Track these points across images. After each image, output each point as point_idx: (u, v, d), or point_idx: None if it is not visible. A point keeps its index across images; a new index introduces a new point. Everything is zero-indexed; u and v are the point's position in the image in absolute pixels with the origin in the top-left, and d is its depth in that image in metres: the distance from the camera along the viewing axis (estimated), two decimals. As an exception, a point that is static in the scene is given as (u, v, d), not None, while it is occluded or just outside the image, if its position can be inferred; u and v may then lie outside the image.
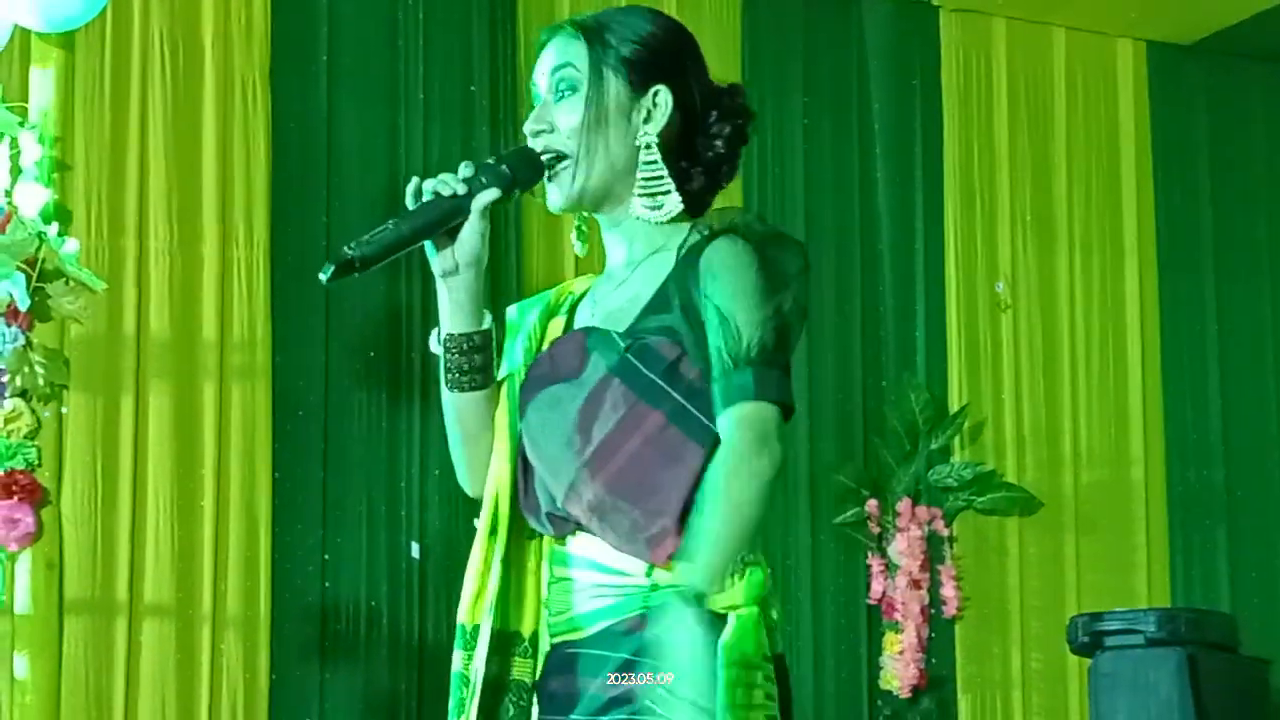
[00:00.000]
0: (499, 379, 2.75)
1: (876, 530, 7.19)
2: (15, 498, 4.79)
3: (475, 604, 2.66)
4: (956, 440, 7.37)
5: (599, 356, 2.60)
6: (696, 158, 2.73)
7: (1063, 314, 7.71)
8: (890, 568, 7.15)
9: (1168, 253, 7.92)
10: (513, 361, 2.74)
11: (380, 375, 6.54)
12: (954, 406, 7.39)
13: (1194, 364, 7.90)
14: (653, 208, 2.68)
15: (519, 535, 2.70)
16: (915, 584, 7.12)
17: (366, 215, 6.58)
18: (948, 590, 7.22)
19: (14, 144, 4.95)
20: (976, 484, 7.33)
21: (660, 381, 2.57)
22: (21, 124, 4.95)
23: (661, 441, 2.56)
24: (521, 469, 2.69)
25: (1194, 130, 8.04)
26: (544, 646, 2.68)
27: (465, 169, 2.66)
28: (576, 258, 6.68)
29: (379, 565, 6.44)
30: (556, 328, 2.75)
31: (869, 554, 7.17)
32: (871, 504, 7.18)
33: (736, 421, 2.49)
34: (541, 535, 2.71)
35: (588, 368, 2.61)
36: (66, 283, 4.84)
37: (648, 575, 2.56)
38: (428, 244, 2.66)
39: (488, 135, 6.77)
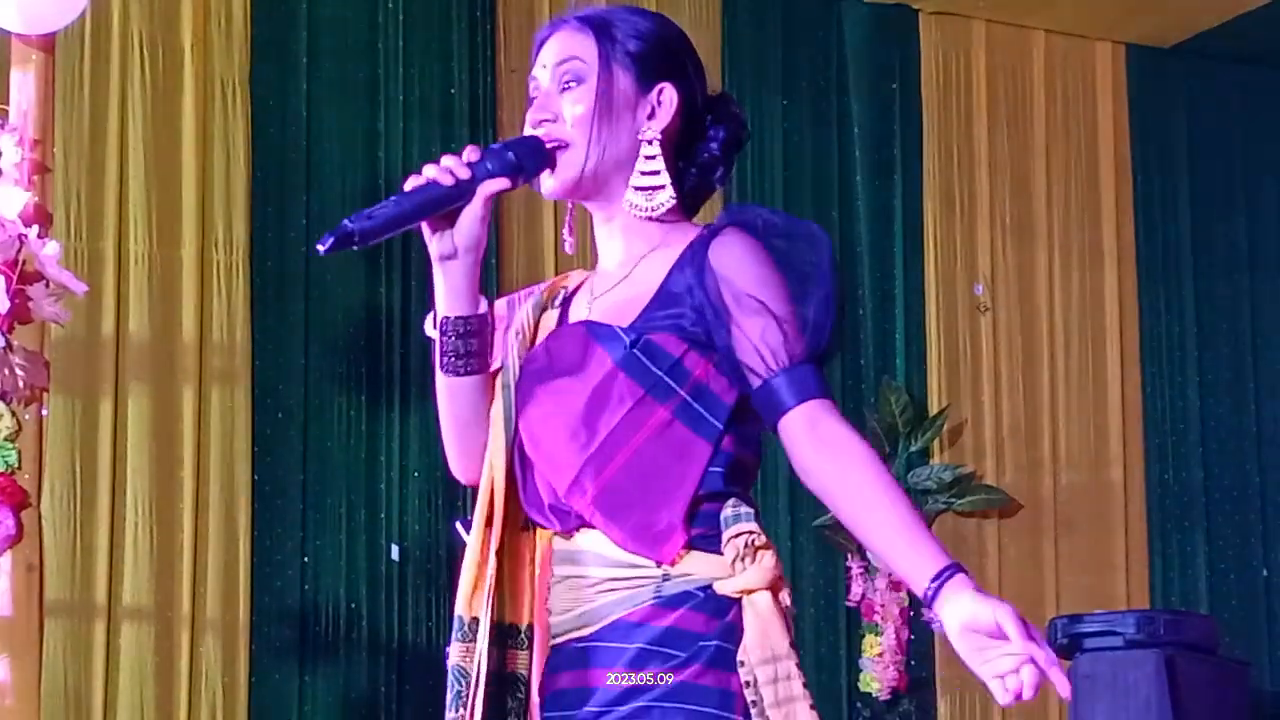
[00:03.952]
0: (494, 368, 2.73)
1: (856, 532, 7.19)
2: (-4, 501, 4.77)
3: (473, 596, 2.64)
4: (936, 442, 7.38)
5: (603, 351, 2.59)
6: (693, 158, 2.75)
7: (1042, 316, 7.71)
8: (870, 570, 7.15)
9: (1147, 255, 7.94)
10: (505, 354, 2.72)
11: (360, 378, 6.53)
12: (933, 409, 7.39)
13: (1172, 366, 7.91)
14: (645, 201, 2.68)
15: (515, 527, 2.68)
16: (894, 586, 7.11)
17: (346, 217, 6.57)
18: (927, 592, 7.22)
19: (-7, 146, 4.93)
20: (956, 486, 7.33)
21: (666, 378, 2.57)
22: (1, 126, 4.92)
23: (667, 438, 2.56)
24: (520, 462, 2.67)
25: (1173, 133, 8.05)
26: (541, 642, 2.65)
27: (471, 153, 2.64)
28: (556, 254, 6.77)
29: (358, 568, 6.44)
30: (549, 322, 2.73)
31: (848, 556, 7.18)
32: (851, 506, 7.16)
33: (811, 423, 2.56)
34: (537, 528, 2.68)
35: (591, 362, 2.59)
36: (47, 285, 4.80)
37: (658, 565, 2.55)
38: (424, 227, 2.64)
39: (467, 137, 6.75)
